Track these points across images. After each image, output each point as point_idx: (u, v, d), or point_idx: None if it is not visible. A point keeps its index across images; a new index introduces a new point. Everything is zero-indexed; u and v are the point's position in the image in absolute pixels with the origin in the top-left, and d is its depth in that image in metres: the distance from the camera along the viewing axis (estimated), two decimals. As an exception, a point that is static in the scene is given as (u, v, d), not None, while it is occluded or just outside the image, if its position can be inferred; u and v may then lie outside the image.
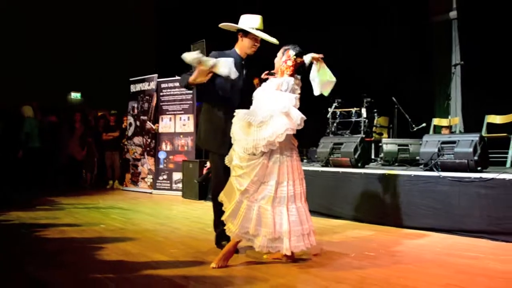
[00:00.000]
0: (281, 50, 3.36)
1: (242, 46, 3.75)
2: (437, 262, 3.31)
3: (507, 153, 6.11)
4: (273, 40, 3.63)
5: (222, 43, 9.03)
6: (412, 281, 2.80)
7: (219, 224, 3.59)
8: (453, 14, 8.86)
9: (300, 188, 3.20)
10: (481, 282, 2.82)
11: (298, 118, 3.07)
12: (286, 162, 3.15)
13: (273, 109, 3.06)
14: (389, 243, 4.03)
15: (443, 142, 4.79)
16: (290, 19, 9.24)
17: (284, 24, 8.76)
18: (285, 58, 3.29)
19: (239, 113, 3.19)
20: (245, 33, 3.69)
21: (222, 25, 3.79)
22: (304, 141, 7.82)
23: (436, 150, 4.76)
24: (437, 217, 4.51)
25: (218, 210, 3.50)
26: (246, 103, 3.38)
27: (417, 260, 3.39)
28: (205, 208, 6.52)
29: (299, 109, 3.16)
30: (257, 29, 3.63)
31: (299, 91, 3.31)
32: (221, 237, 3.61)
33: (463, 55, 8.07)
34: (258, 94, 3.28)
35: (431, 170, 4.73)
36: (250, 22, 3.67)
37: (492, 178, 4.18)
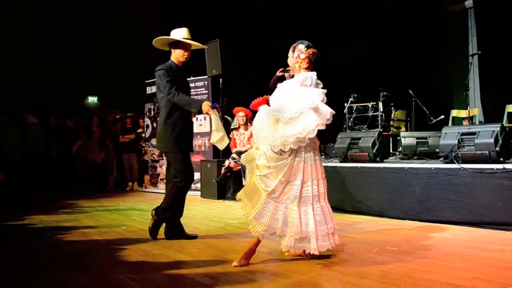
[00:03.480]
0: (290, 49, 3.35)
1: (176, 56, 4.26)
2: (462, 256, 3.26)
3: (529, 143, 5.99)
4: (201, 46, 4.33)
5: (235, 42, 9.06)
6: (437, 275, 2.76)
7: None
8: (468, 3, 8.72)
9: (323, 188, 3.18)
10: (509, 275, 2.76)
11: (327, 113, 3.04)
12: (310, 161, 3.13)
13: (302, 105, 3.02)
14: (411, 237, 3.99)
15: (463, 134, 4.71)
16: (312, 19, 9.23)
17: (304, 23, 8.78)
18: (297, 53, 3.26)
19: (263, 110, 3.15)
20: (175, 44, 4.22)
21: (155, 40, 4.25)
22: (321, 137, 7.80)
23: (456, 142, 4.69)
24: (459, 210, 4.45)
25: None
26: None
27: (441, 254, 3.34)
28: (224, 207, 6.55)
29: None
30: (185, 38, 4.15)
31: (321, 85, 3.28)
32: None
33: (480, 45, 7.93)
34: (282, 91, 3.25)
35: (451, 162, 4.66)
36: (179, 34, 4.21)
37: (513, 169, 4.11)
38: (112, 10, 12.64)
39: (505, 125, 6.01)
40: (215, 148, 8.12)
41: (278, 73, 7.51)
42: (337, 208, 5.45)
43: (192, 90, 8.77)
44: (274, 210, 3.06)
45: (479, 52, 6.97)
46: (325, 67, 7.50)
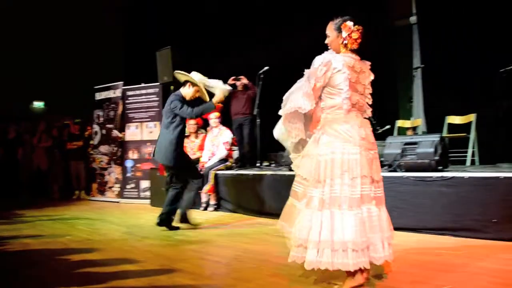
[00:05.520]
0: (332, 27, 2.82)
1: (187, 93, 5.05)
2: (403, 260, 3.39)
3: (467, 152, 6.33)
4: (206, 96, 5.15)
5: (188, 50, 9.04)
6: (377, 280, 2.86)
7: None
8: (413, 19, 9.10)
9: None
10: (444, 277, 2.90)
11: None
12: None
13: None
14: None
15: (406, 143, 4.92)
16: (267, 26, 9.32)
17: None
18: (346, 33, 2.74)
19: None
20: (193, 85, 5.04)
21: (177, 72, 5.12)
22: (272, 146, 7.88)
23: (399, 151, 4.89)
24: (402, 216, 4.60)
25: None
26: None
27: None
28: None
29: None
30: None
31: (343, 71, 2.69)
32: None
33: (423, 59, 8.31)
34: None
35: (394, 170, 4.85)
36: (197, 77, 5.00)
37: (453, 177, 4.31)
38: (62, 12, 12.30)
39: (444, 135, 6.32)
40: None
41: (230, 81, 7.60)
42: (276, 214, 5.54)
43: (143, 97, 8.73)
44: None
45: (423, 65, 7.31)
46: (277, 76, 7.60)
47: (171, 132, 4.92)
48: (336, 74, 2.68)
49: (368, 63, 2.88)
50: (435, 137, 4.78)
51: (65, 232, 5.12)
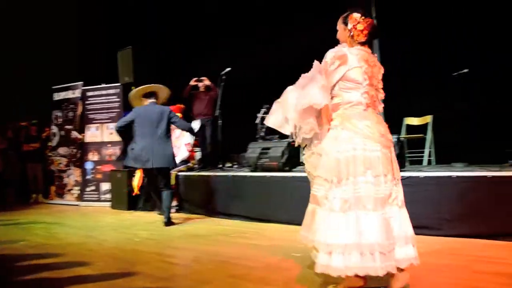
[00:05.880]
0: (340, 21, 2.78)
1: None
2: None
3: (423, 152, 6.53)
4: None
5: (149, 50, 8.91)
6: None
7: None
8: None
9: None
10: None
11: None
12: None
13: None
14: (316, 243, 4.15)
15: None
16: (229, 28, 9.29)
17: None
18: (351, 25, 2.67)
19: None
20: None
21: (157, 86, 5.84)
22: (234, 147, 7.90)
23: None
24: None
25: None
26: None
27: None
28: (135, 218, 6.39)
29: None
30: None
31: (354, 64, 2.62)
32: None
33: (382, 62, 8.52)
34: None
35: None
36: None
37: (409, 176, 4.44)
38: (15, 8, 11.88)
39: (403, 136, 6.50)
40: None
41: (192, 82, 7.57)
42: (247, 217, 5.59)
43: (103, 98, 8.56)
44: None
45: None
46: (239, 78, 7.62)
47: (167, 139, 5.56)
48: (352, 68, 2.59)
49: (376, 55, 2.78)
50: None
51: (20, 237, 4.95)
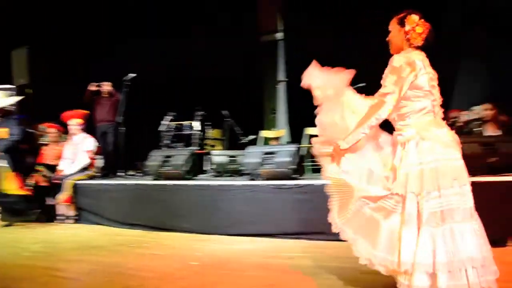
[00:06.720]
0: (394, 21, 2.59)
1: None
2: (259, 265, 3.53)
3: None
4: None
5: (47, 50, 8.44)
6: (237, 286, 2.94)
7: None
8: (279, 35, 9.63)
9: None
10: (291, 279, 3.10)
11: None
12: None
13: None
14: (215, 251, 4.17)
15: (266, 153, 5.16)
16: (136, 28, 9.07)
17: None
18: (410, 26, 2.50)
19: None
20: None
21: None
22: (138, 155, 7.69)
23: (259, 160, 5.11)
24: (262, 223, 4.80)
25: None
26: None
27: (242, 265, 3.57)
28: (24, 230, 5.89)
29: None
30: None
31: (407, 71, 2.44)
32: None
33: (288, 73, 8.83)
34: None
35: (254, 179, 5.05)
36: None
37: (307, 184, 4.63)
38: None
39: (304, 145, 6.76)
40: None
41: (91, 87, 7.24)
42: (149, 226, 5.45)
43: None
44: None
45: (287, 79, 7.76)
46: (144, 84, 7.47)
47: None
48: (421, 75, 2.44)
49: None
50: (293, 147, 5.13)
51: None
